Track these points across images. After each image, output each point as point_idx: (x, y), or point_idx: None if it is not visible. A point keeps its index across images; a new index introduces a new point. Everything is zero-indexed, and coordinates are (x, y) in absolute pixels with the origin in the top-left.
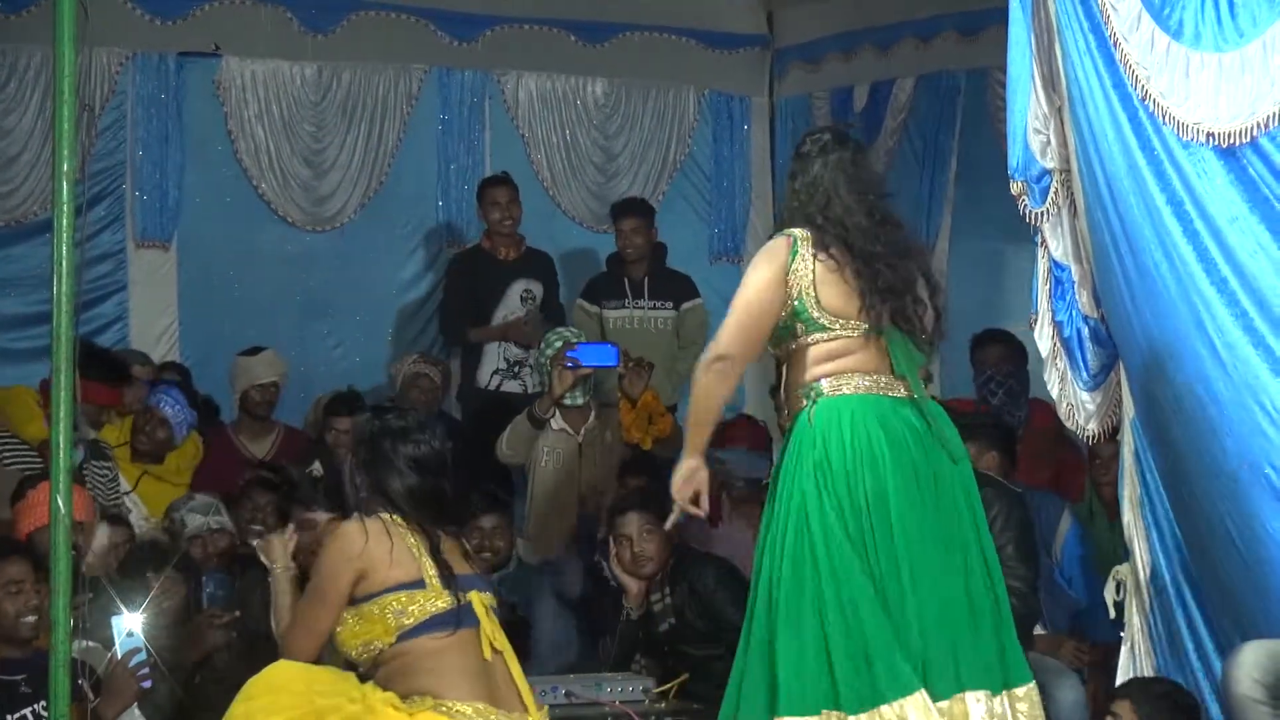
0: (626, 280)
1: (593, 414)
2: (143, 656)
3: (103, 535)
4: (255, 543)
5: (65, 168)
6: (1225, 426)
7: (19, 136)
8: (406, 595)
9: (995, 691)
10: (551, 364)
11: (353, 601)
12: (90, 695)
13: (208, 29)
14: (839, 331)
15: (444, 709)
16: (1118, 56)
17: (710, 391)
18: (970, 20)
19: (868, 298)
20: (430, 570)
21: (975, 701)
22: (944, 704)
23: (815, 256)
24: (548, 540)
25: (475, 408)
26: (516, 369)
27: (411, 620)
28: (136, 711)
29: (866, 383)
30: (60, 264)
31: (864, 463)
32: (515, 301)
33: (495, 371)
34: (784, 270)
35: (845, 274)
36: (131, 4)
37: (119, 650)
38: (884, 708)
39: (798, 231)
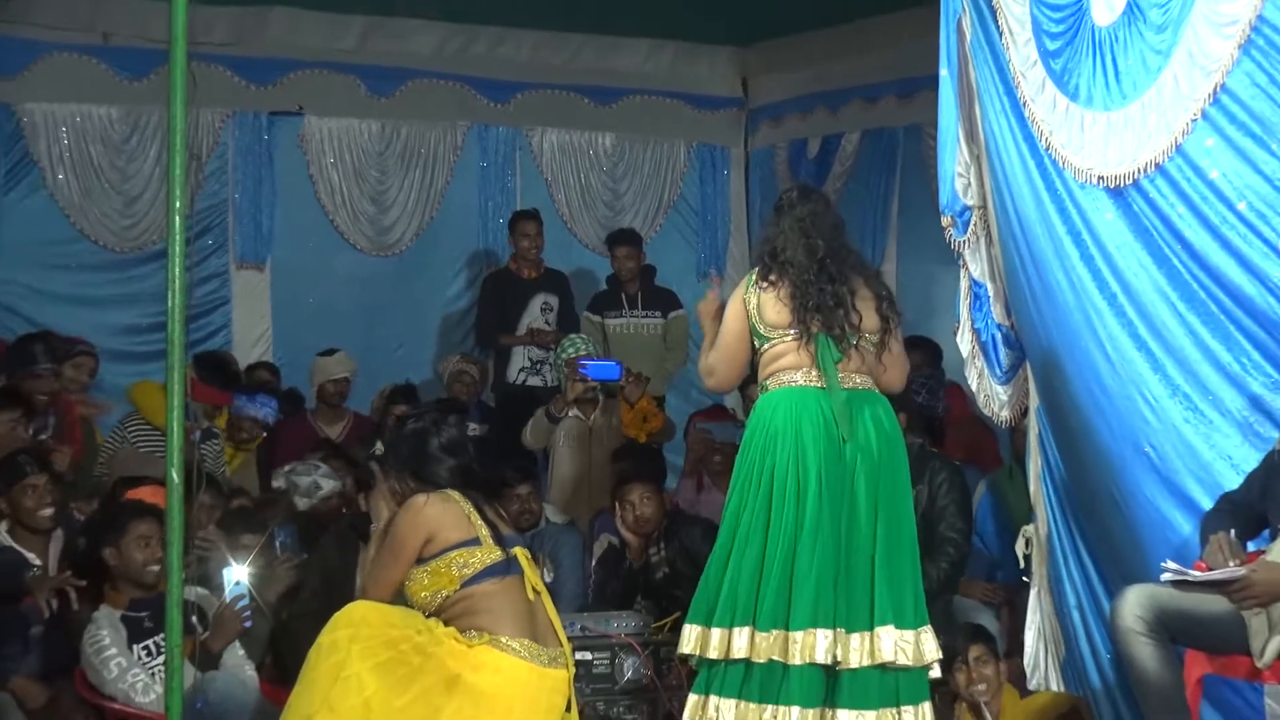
0: (623, 295)
1: (600, 404)
2: (246, 601)
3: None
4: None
5: (178, 205)
6: (1112, 413)
7: (140, 180)
8: (467, 551)
9: (850, 630)
10: (565, 365)
11: (421, 560)
12: (200, 630)
13: (293, 93)
14: (777, 340)
15: (498, 643)
16: (1026, 114)
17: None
18: (907, 85)
19: (798, 314)
20: (483, 530)
21: (823, 637)
22: (798, 634)
23: (758, 286)
24: (567, 505)
25: (505, 399)
26: (539, 367)
27: (471, 570)
28: (237, 643)
29: (795, 378)
30: (173, 282)
31: (776, 441)
32: (536, 311)
33: (522, 369)
34: (742, 301)
35: (780, 296)
36: (231, 72)
37: (228, 595)
38: (717, 630)
39: (754, 271)
